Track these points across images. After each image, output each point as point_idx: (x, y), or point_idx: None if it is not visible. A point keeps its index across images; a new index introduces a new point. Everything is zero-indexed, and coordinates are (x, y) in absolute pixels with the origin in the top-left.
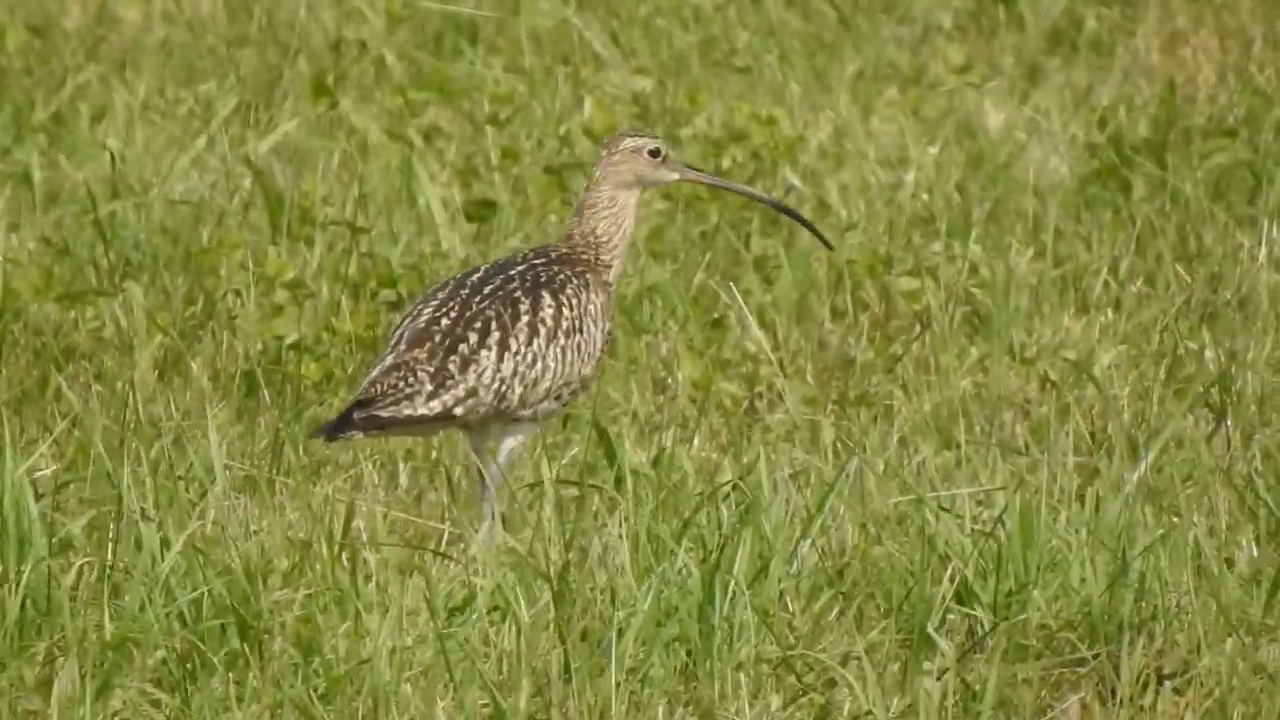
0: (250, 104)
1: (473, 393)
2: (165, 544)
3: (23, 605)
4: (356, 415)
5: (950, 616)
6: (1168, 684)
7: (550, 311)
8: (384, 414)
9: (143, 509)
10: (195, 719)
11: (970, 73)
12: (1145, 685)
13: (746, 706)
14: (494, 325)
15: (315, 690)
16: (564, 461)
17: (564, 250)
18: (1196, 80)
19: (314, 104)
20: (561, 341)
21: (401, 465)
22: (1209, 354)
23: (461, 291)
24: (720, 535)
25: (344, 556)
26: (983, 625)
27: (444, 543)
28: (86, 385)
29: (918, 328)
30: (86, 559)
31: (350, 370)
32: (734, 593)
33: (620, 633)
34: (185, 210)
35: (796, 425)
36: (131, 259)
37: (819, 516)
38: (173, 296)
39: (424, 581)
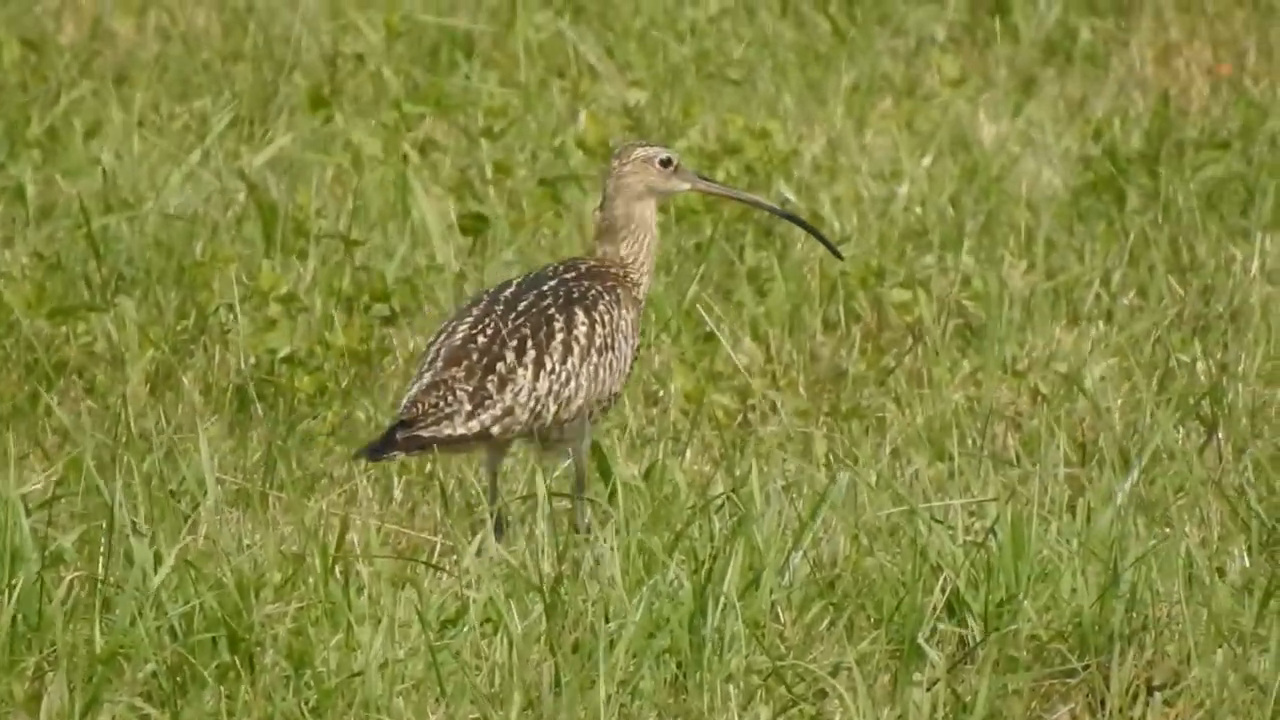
0: (245, 118)
1: (509, 411)
2: (157, 558)
3: (13, 620)
4: (399, 436)
5: (941, 627)
6: (1158, 695)
7: (584, 329)
8: (426, 434)
9: (134, 523)
10: None
11: (964, 85)
12: (1135, 696)
13: (736, 718)
14: (529, 344)
15: (306, 703)
16: (557, 474)
17: (593, 263)
18: (1190, 93)
19: (311, 116)
20: (594, 359)
21: (396, 479)
22: (1201, 366)
23: (496, 308)
24: (712, 547)
25: (337, 569)
26: (973, 636)
27: (436, 555)
28: (78, 400)
29: (910, 340)
30: (78, 573)
31: (344, 384)
32: (725, 604)
33: (611, 645)
34: (179, 224)
35: (789, 437)
36: (124, 273)
37: (811, 528)
38: (165, 311)
39: (416, 594)
